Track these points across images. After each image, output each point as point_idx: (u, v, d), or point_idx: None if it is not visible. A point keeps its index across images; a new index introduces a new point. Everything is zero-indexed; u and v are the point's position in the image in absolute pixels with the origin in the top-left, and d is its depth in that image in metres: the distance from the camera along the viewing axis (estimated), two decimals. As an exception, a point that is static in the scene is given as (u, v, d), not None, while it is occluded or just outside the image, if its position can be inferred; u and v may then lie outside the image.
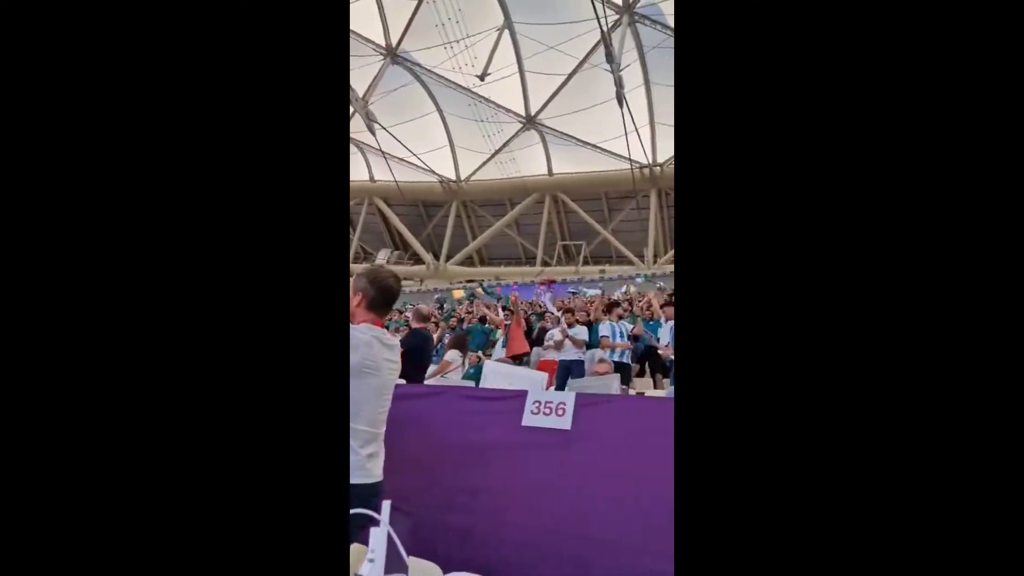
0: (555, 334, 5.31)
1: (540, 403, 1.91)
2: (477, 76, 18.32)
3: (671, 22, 16.02)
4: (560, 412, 1.85)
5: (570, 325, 5.25)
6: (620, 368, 4.87)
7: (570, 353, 5.12)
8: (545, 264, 21.51)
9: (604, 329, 5.37)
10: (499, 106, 19.65)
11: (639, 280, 12.50)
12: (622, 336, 5.45)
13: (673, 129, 0.80)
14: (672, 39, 16.22)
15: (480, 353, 5.84)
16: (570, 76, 18.25)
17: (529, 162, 21.22)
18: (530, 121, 19.86)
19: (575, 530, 1.53)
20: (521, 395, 1.98)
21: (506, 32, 17.71)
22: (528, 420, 1.89)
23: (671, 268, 18.45)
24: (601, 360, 4.76)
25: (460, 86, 19.12)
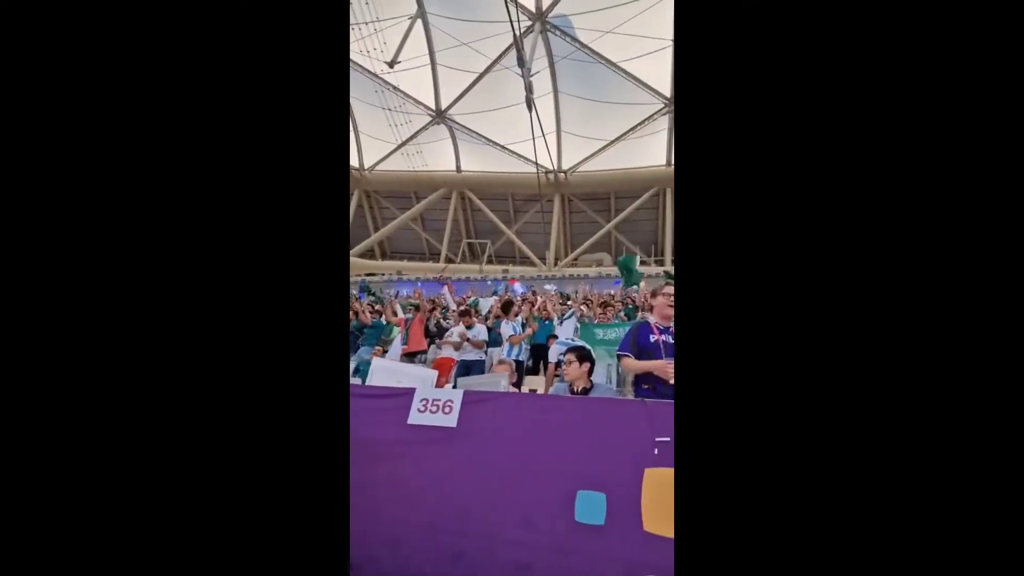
0: (454, 333, 5.31)
1: (427, 401, 1.90)
2: (386, 63, 17.70)
3: (580, 35, 16.74)
4: (447, 410, 1.86)
5: (468, 326, 5.29)
6: (517, 366, 5.00)
7: (470, 353, 5.15)
8: (449, 261, 21.39)
9: (507, 328, 5.48)
10: (408, 96, 19.16)
11: (550, 289, 12.93)
12: (524, 330, 5.61)
13: (673, 134, 0.82)
14: (579, 52, 16.95)
15: (378, 349, 5.67)
16: (482, 75, 18.32)
17: (437, 157, 20.95)
18: (440, 115, 19.62)
19: (452, 525, 1.55)
20: (409, 393, 1.96)
21: (419, 22, 17.32)
22: (414, 418, 1.87)
23: (570, 271, 19.30)
24: (501, 361, 4.84)
25: (367, 70, 18.35)
